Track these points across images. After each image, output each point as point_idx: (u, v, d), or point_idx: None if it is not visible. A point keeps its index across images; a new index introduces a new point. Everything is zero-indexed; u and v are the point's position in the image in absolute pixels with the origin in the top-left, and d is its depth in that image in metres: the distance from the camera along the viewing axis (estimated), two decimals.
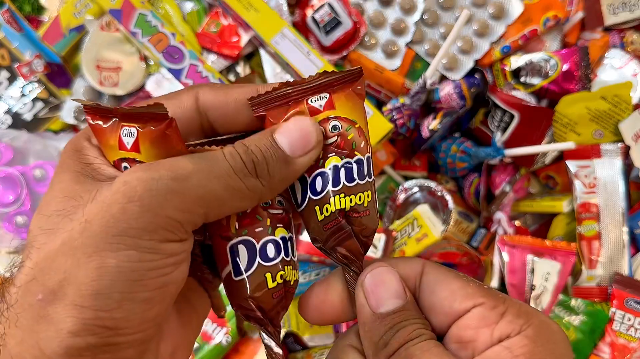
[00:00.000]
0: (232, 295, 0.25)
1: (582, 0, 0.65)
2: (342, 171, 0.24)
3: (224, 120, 0.27)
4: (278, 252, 0.25)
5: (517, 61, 0.64)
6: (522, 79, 0.65)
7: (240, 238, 0.24)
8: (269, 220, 0.25)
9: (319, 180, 0.25)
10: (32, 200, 0.63)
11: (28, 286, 0.21)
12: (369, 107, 0.61)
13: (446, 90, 0.63)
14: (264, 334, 0.25)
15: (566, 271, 0.61)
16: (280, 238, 0.25)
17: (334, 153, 0.24)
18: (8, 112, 0.65)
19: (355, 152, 0.25)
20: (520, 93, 0.65)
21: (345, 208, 0.24)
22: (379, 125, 0.60)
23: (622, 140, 0.62)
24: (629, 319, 0.59)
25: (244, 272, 0.24)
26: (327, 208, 0.24)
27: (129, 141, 0.23)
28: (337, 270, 0.27)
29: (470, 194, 0.69)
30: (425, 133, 0.64)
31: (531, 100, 0.65)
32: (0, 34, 0.64)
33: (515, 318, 0.22)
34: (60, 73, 0.65)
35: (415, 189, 0.67)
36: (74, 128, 0.67)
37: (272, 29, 0.60)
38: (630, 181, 0.64)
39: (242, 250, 0.24)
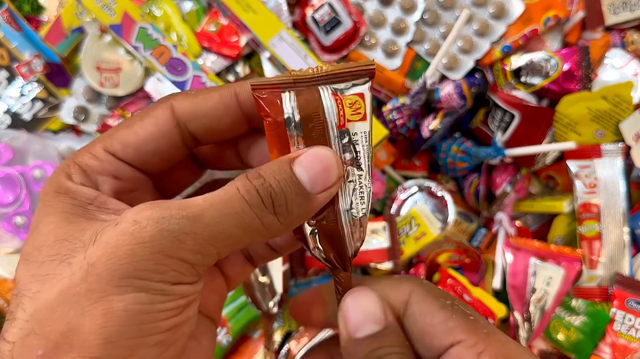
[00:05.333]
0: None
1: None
2: None
3: (207, 128, 0.25)
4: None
5: (517, 61, 0.64)
6: (523, 79, 0.64)
7: None
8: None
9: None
10: (31, 200, 0.63)
11: (25, 341, 0.19)
12: None
13: (446, 90, 0.63)
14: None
15: (569, 278, 0.60)
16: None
17: None
18: (7, 111, 0.65)
19: None
20: (521, 93, 0.64)
21: None
22: (374, 131, 0.60)
23: (622, 140, 0.62)
24: (630, 320, 0.59)
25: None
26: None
27: None
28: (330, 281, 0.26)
29: (471, 194, 0.68)
30: (425, 133, 0.64)
31: (532, 100, 0.64)
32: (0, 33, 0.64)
33: None
34: (59, 73, 0.65)
35: (415, 189, 0.67)
36: (73, 128, 0.66)
37: (269, 31, 0.60)
38: (631, 181, 0.64)
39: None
